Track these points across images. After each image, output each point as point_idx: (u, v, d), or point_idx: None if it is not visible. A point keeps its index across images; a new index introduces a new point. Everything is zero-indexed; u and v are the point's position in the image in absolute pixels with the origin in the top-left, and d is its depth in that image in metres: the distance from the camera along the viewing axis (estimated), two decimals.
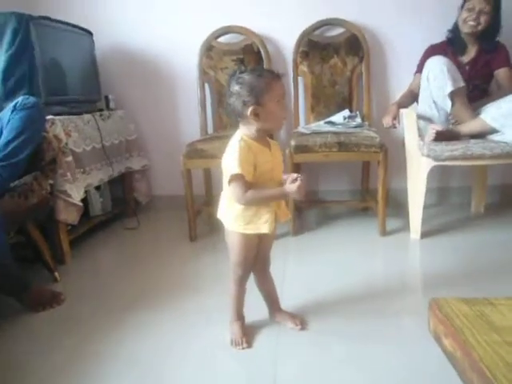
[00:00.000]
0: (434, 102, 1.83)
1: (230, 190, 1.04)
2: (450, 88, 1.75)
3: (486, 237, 1.90)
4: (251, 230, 1.08)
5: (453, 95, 1.77)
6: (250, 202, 1.04)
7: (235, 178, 1.01)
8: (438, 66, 1.77)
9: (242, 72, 1.02)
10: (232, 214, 1.10)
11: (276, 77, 1.02)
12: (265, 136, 1.09)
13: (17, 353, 1.21)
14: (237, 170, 1.00)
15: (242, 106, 1.02)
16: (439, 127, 1.76)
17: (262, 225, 1.07)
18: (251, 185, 1.03)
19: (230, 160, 1.02)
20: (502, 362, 0.47)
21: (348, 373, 1.05)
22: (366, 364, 1.08)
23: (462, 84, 1.78)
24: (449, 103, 1.78)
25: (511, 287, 1.46)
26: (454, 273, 1.56)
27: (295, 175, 1.04)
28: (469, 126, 1.80)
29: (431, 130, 1.78)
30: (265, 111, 1.02)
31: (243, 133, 1.07)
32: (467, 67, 1.97)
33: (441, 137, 1.77)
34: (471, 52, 1.98)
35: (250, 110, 1.01)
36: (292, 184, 1.02)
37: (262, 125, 1.04)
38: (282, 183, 1.09)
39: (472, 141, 1.75)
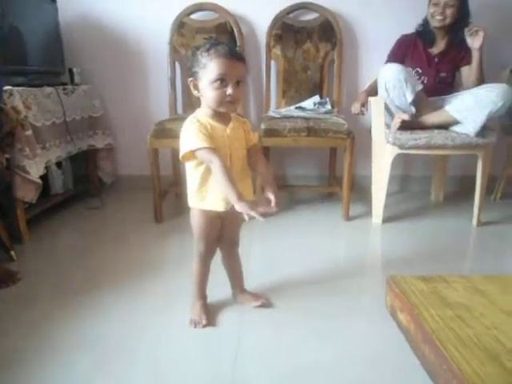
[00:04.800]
0: (397, 107, 1.86)
1: (203, 158, 1.02)
2: (411, 97, 1.79)
3: (444, 223, 1.99)
4: (207, 206, 1.08)
5: (415, 99, 1.81)
6: (217, 168, 0.99)
7: (203, 152, 1.00)
8: (395, 75, 1.79)
9: (206, 44, 1.01)
10: (190, 189, 1.10)
11: (223, 56, 0.97)
12: (222, 114, 1.06)
13: None
14: (201, 144, 0.99)
15: (189, 75, 1.04)
16: (405, 116, 1.81)
17: (217, 202, 1.07)
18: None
19: (189, 138, 1.01)
20: (453, 335, 0.49)
21: (310, 348, 1.08)
22: (327, 339, 1.12)
23: (420, 87, 1.83)
24: (413, 108, 1.82)
25: (465, 270, 1.54)
26: (412, 255, 1.62)
27: (271, 198, 1.02)
28: (433, 118, 1.85)
29: (397, 119, 1.82)
30: (201, 86, 1.02)
31: (200, 110, 1.07)
32: (436, 59, 2.02)
33: (406, 126, 1.82)
34: (441, 45, 2.02)
35: (189, 80, 1.04)
36: (247, 204, 0.96)
37: (204, 100, 1.04)
38: (242, 161, 1.09)
39: (435, 131, 1.81)
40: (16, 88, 1.65)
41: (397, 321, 0.56)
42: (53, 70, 2.12)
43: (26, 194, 1.69)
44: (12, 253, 1.59)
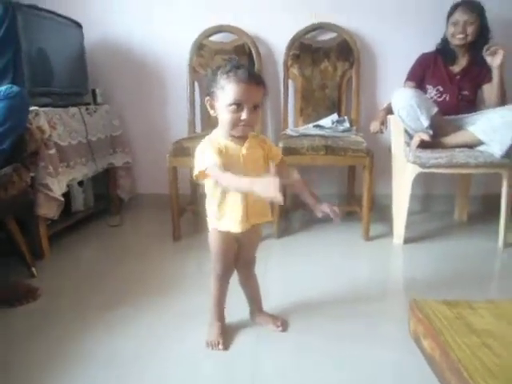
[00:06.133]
0: (414, 130, 1.82)
1: (213, 179, 1.02)
2: (426, 122, 1.75)
3: (468, 245, 1.92)
4: (224, 226, 1.07)
5: (431, 122, 1.77)
6: (227, 183, 0.98)
7: (210, 169, 0.99)
8: (407, 102, 1.75)
9: (227, 65, 1.02)
10: (209, 210, 1.10)
11: (242, 81, 0.97)
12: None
13: None
14: (210, 163, 0.98)
15: (206, 94, 1.06)
16: (425, 137, 1.77)
17: (234, 224, 1.06)
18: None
19: (201, 158, 1.01)
20: (480, 365, 0.47)
21: (328, 374, 1.04)
22: (346, 365, 1.08)
23: (435, 110, 1.79)
24: (430, 131, 1.78)
25: (491, 294, 1.48)
26: (435, 278, 1.57)
27: (328, 208, 1.02)
28: (456, 138, 1.81)
29: (417, 138, 1.79)
30: (218, 107, 1.02)
31: (216, 131, 1.07)
32: (458, 77, 2.00)
33: (427, 146, 1.78)
34: (462, 62, 2.00)
35: (206, 99, 1.05)
36: (264, 179, 0.90)
37: (220, 121, 1.04)
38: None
39: (457, 149, 1.77)
40: (42, 108, 1.71)
41: (420, 348, 0.54)
42: (77, 91, 2.19)
43: (48, 211, 1.72)
44: (33, 269, 1.61)
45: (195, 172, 1.03)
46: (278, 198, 0.84)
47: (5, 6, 1.67)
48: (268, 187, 0.87)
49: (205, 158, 1.00)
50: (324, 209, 1.04)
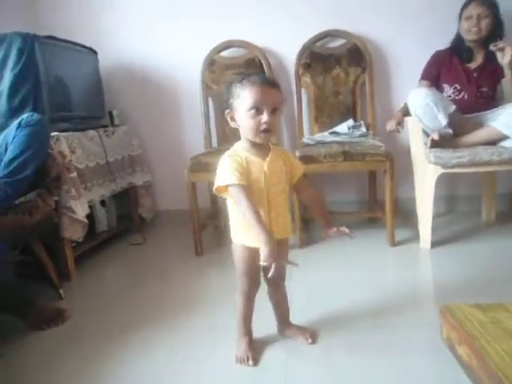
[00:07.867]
0: (433, 130, 1.79)
1: (233, 196, 1.02)
2: (444, 121, 1.72)
3: (498, 245, 1.84)
4: (249, 241, 1.06)
5: (450, 120, 1.74)
6: (244, 209, 1.00)
7: (232, 189, 1.00)
8: (423, 101, 1.73)
9: (239, 76, 1.03)
10: (232, 225, 1.09)
11: (256, 84, 0.98)
12: (260, 145, 1.05)
13: (19, 373, 1.19)
14: (232, 180, 0.99)
15: (225, 108, 1.06)
16: (435, 136, 1.73)
17: (255, 237, 1.04)
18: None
19: (223, 173, 1.02)
20: None
21: None
22: (379, 378, 1.03)
23: (453, 108, 1.75)
24: (449, 130, 1.75)
25: None
26: (466, 282, 1.51)
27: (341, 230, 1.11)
28: (478, 135, 1.76)
29: (430, 138, 1.75)
30: (238, 117, 1.03)
31: (238, 144, 1.07)
32: (475, 74, 1.95)
33: (448, 145, 1.74)
34: (478, 58, 1.96)
35: (225, 112, 1.05)
36: (273, 249, 0.97)
37: (242, 131, 1.04)
38: (280, 196, 1.07)
39: (479, 147, 1.72)
40: (62, 134, 1.76)
41: (455, 355, 0.51)
42: (95, 115, 2.25)
43: (74, 233, 1.76)
44: (61, 291, 1.64)
45: (216, 185, 1.03)
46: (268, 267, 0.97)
47: (24, 38, 1.74)
48: (269, 257, 0.96)
49: (226, 173, 1.00)
50: (331, 233, 1.11)
